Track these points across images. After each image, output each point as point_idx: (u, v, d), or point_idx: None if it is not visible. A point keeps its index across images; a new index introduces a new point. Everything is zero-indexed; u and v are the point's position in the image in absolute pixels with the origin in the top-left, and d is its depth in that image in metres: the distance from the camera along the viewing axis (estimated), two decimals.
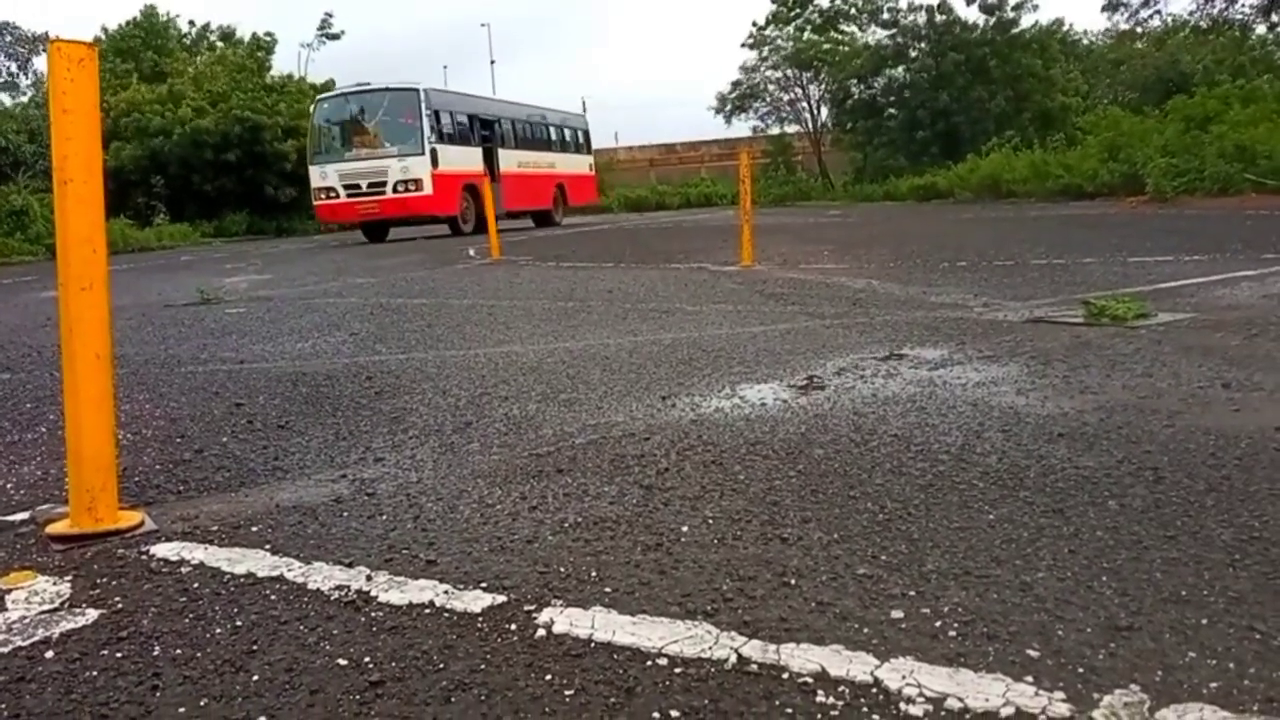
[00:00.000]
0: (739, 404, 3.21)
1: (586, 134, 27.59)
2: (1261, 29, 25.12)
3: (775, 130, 36.26)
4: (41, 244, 19.18)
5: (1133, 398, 3.01)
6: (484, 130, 21.81)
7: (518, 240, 15.94)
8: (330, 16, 34.51)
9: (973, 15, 27.96)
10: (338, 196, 19.45)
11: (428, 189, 18.95)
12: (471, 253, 13.18)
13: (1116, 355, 3.70)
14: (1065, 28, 30.75)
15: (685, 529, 2.04)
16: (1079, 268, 7.06)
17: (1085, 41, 32.77)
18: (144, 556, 2.04)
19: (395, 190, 18.93)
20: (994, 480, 2.26)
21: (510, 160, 22.50)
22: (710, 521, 2.08)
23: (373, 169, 19.24)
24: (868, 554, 1.85)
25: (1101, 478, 2.24)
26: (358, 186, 19.28)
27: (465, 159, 20.39)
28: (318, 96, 21.56)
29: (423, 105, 19.25)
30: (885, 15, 31.11)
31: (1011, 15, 27.79)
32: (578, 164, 26.55)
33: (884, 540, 1.92)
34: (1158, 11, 25.93)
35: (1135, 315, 4.41)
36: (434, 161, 19.12)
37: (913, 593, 1.67)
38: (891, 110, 30.34)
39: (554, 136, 25.62)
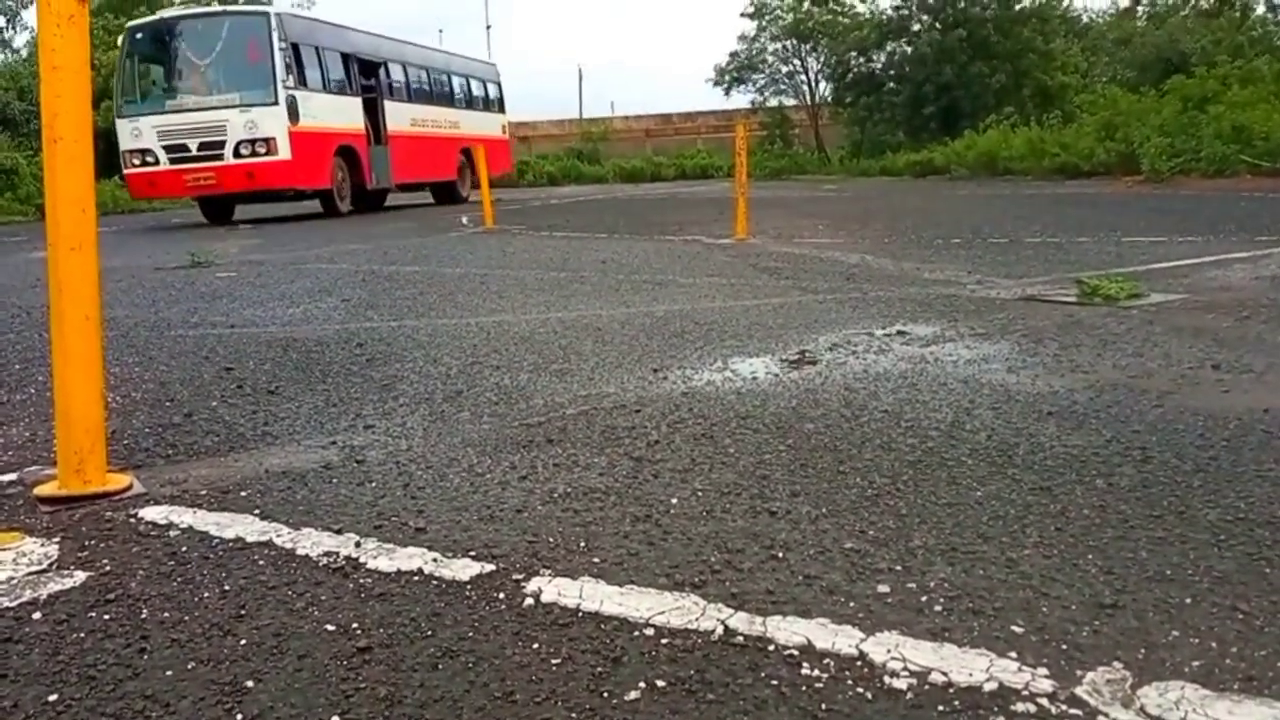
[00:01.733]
0: (730, 377, 3.21)
1: (500, 88, 22.96)
2: (1261, 9, 25.06)
3: (773, 103, 36.07)
4: (31, 204, 19.02)
5: (1123, 377, 3.02)
6: (365, 77, 16.93)
7: (512, 209, 15.86)
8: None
9: None
10: (156, 162, 14.30)
11: (283, 152, 14.11)
12: (465, 220, 13.13)
13: (1108, 335, 3.70)
14: (1066, 3, 30.59)
15: (674, 501, 2.05)
16: (1073, 246, 7.06)
17: (1085, 19, 32.61)
18: (132, 519, 2.04)
19: (237, 154, 14.02)
20: (983, 457, 2.27)
21: (401, 117, 17.81)
22: (699, 494, 2.08)
23: (205, 123, 14.25)
24: (855, 529, 1.86)
25: (1090, 456, 2.25)
26: (184, 148, 14.27)
27: (338, 112, 15.73)
28: (129, 24, 15.76)
29: (275, 36, 14.14)
30: None
31: None
32: (488, 125, 21.74)
33: (872, 515, 1.93)
34: None
35: (1128, 295, 4.41)
36: (292, 114, 14.22)
37: (899, 568, 1.68)
38: (892, 85, 30.16)
39: (459, 90, 20.80)
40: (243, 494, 2.19)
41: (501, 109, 22.91)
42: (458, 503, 2.08)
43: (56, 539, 1.94)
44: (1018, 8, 27.55)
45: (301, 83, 14.71)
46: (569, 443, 2.51)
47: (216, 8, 15.35)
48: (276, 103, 14.10)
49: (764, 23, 34.51)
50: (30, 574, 1.77)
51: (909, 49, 29.67)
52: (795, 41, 33.96)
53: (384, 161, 16.84)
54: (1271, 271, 5.36)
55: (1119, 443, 2.35)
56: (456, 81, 20.69)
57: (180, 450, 2.57)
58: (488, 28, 51.18)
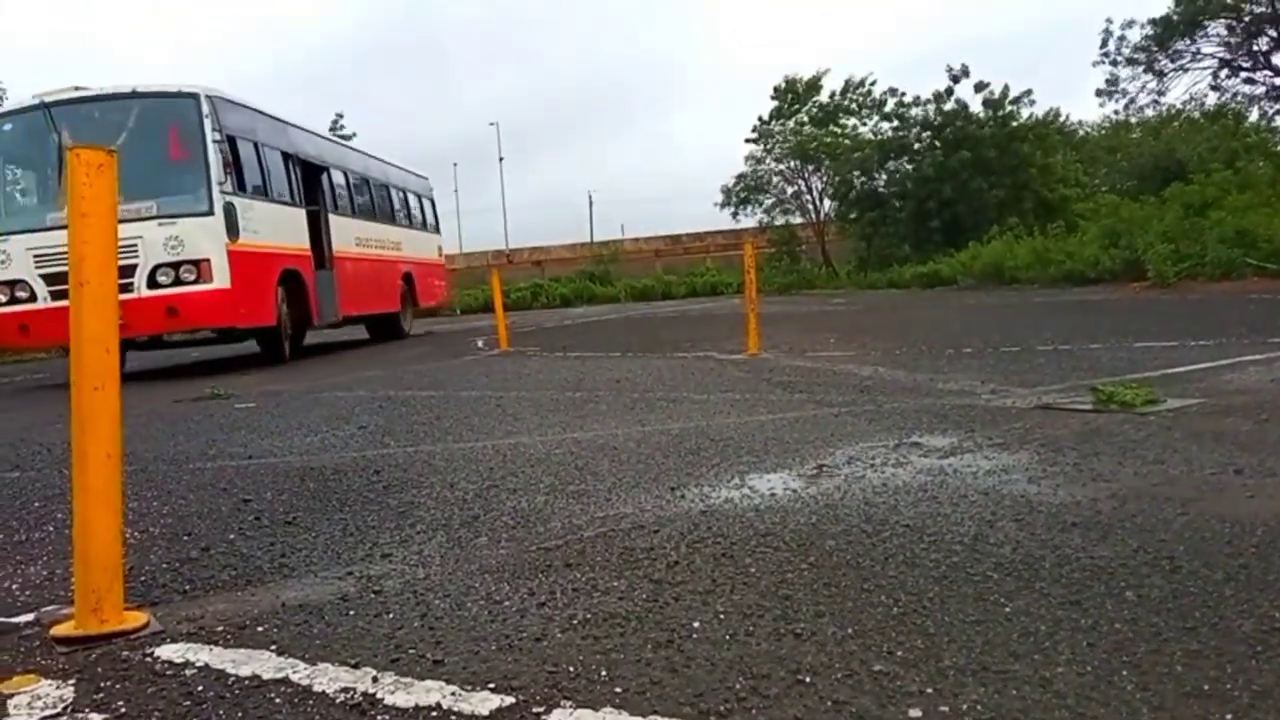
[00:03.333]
0: (749, 494, 3.19)
1: (433, 204, 19.58)
2: (1255, 115, 25.68)
3: (780, 221, 36.83)
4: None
5: (1146, 485, 2.99)
6: (308, 185, 13.26)
7: (526, 331, 16.06)
8: (341, 117, 35.13)
9: (976, 105, 28.56)
10: (32, 299, 10.25)
11: (219, 279, 10.31)
12: (480, 343, 13.28)
13: (1127, 442, 3.68)
14: (1061, 118, 31.42)
15: (696, 625, 2.01)
16: (1085, 353, 7.08)
17: (1081, 132, 33.42)
18: (148, 659, 2.01)
19: (154, 283, 10.15)
20: (1009, 571, 2.23)
21: (346, 234, 14.14)
22: (722, 617, 2.05)
23: None
24: (883, 649, 1.82)
25: (1118, 568, 2.21)
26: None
27: (281, 227, 11.98)
28: None
29: (208, 124, 10.42)
30: (889, 107, 31.80)
31: (1010, 109, 28.40)
32: (427, 246, 18.47)
33: (899, 635, 1.89)
34: (1155, 100, 26.60)
35: (1144, 401, 4.40)
36: (231, 228, 10.48)
37: (930, 690, 1.63)
38: (895, 201, 30.78)
39: (398, 204, 17.31)
40: (259, 629, 2.16)
41: (438, 229, 19.79)
42: (476, 632, 2.05)
43: (72, 681, 1.91)
44: (1014, 125, 28.29)
45: (239, 187, 10.89)
46: (587, 566, 2.48)
47: (122, 88, 10.61)
48: (211, 212, 10.23)
49: (768, 145, 35.51)
50: (45, 718, 1.75)
51: (910, 167, 30.39)
52: (799, 163, 34.85)
53: (330, 290, 13.29)
54: None
55: (1146, 553, 2.31)
56: (395, 194, 17.20)
57: (197, 586, 2.55)
58: (500, 159, 52.86)
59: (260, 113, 12.29)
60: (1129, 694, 1.57)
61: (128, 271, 9.70)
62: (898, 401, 5.15)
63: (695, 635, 1.96)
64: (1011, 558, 2.33)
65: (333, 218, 13.81)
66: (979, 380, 5.82)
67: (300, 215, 12.75)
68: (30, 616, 2.33)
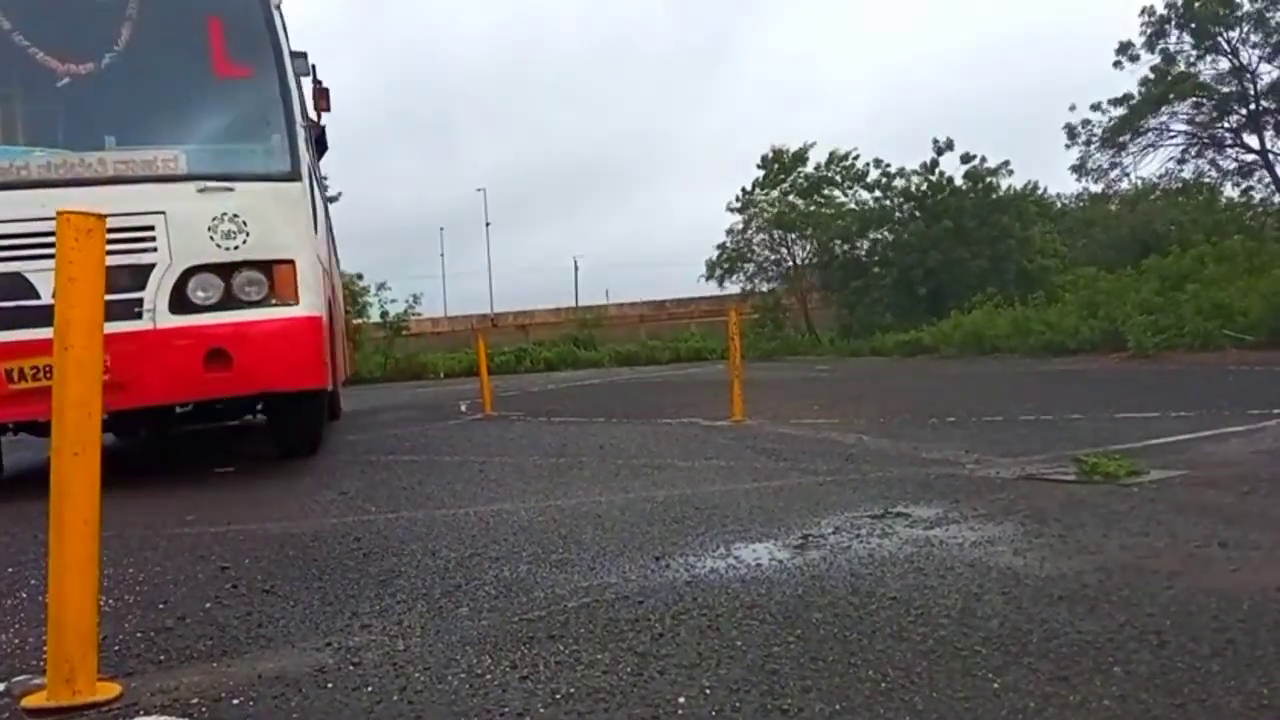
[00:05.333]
0: (734, 564, 3.17)
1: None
2: (1229, 190, 26.23)
3: (764, 288, 37.14)
4: None
5: (1131, 558, 2.99)
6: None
7: (510, 395, 16.03)
8: (325, 179, 35.23)
9: (959, 177, 29.10)
10: None
11: (308, 300, 5.80)
12: (463, 408, 13.22)
13: (1111, 514, 3.68)
14: (1039, 190, 31.99)
15: (682, 700, 1.98)
16: (1067, 424, 7.11)
17: (1059, 205, 34.02)
18: None
19: (184, 303, 5.53)
20: (996, 645, 2.22)
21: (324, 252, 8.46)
22: (708, 692, 2.02)
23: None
24: None
25: (1105, 642, 2.20)
26: (21, 287, 5.25)
27: (323, 232, 7.90)
28: None
29: (279, 23, 6.05)
30: (871, 178, 32.34)
31: (990, 180, 28.95)
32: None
33: (887, 711, 1.86)
34: (1127, 174, 27.17)
35: (1127, 472, 4.42)
36: (313, 213, 6.40)
37: None
38: (877, 269, 31.14)
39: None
40: (234, 702, 2.11)
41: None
42: (457, 707, 2.01)
43: None
44: (995, 196, 28.80)
45: (308, 139, 7.00)
46: (571, 638, 2.45)
47: None
48: (295, 175, 5.89)
49: (749, 215, 35.95)
50: None
51: (891, 237, 30.82)
52: (781, 232, 35.26)
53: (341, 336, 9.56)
54: (1268, 445, 5.38)
55: (1133, 627, 2.30)
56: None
57: (172, 656, 2.50)
58: (486, 224, 53.19)
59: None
60: None
61: (132, 280, 5.35)
62: (882, 470, 5.15)
63: (680, 711, 1.93)
64: (999, 631, 2.32)
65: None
66: (963, 449, 5.84)
67: (322, 218, 8.13)
68: (1, 686, 2.28)
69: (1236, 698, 1.85)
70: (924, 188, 29.62)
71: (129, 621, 2.84)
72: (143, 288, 5.46)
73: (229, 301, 5.60)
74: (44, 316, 4.38)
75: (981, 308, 24.15)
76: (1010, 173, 29.30)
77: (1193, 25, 23.47)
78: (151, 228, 5.43)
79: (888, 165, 31.87)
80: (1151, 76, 24.45)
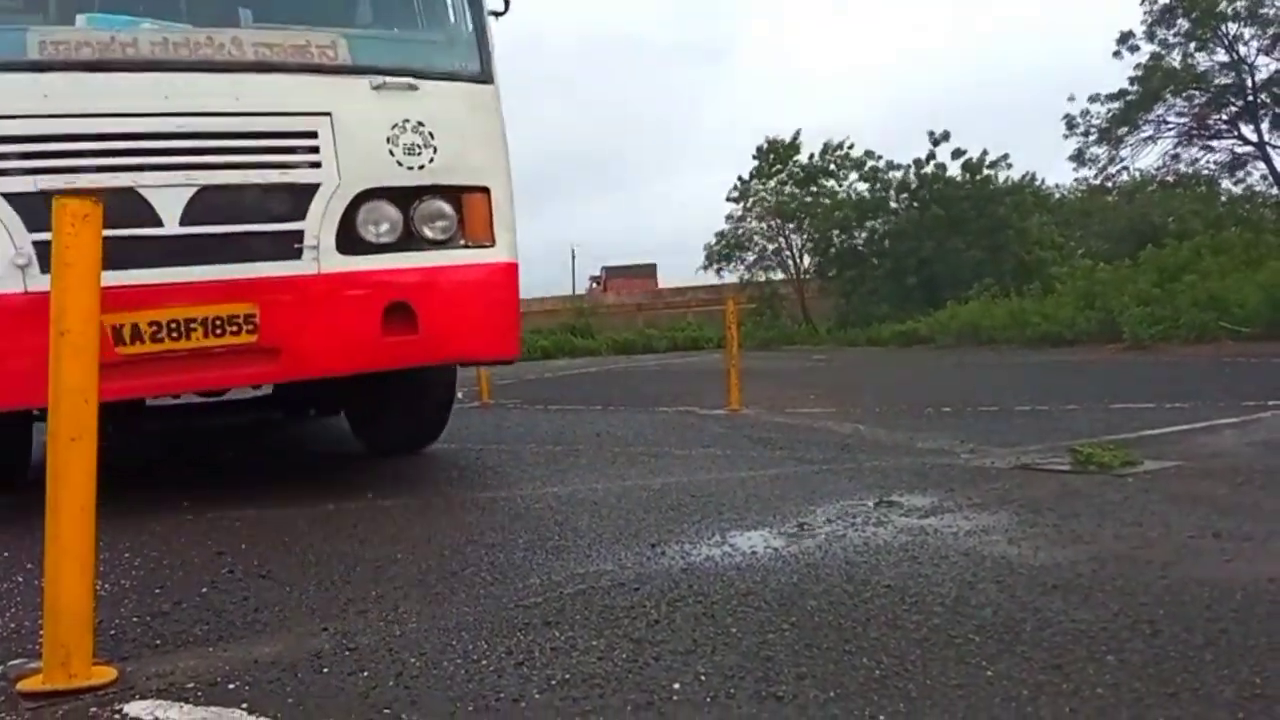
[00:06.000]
0: (730, 552, 3.18)
1: None
2: (1227, 184, 26.24)
3: (761, 278, 37.14)
4: None
5: (1125, 548, 3.00)
6: None
7: (507, 383, 16.02)
8: None
9: (954, 168, 29.06)
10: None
11: (503, 244, 4.52)
12: (460, 396, 13.21)
13: (1106, 504, 3.70)
14: (1037, 182, 31.96)
15: (677, 686, 1.99)
16: (1062, 414, 7.12)
17: (1057, 196, 34.00)
18: (117, 715, 1.97)
19: (354, 240, 4.20)
20: (990, 634, 2.23)
21: None
22: (703, 678, 2.03)
23: (222, 127, 3.86)
24: (865, 713, 1.80)
25: (1098, 631, 2.21)
26: (127, 210, 3.71)
27: None
28: None
29: None
30: (867, 168, 32.26)
31: (987, 173, 28.91)
32: None
33: (882, 699, 1.87)
34: (1125, 168, 27.16)
35: (1122, 463, 4.43)
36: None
37: None
38: (874, 259, 31.14)
39: None
40: (230, 686, 2.12)
41: None
42: (452, 692, 2.02)
43: None
44: (991, 188, 28.76)
45: None
46: (566, 624, 2.46)
47: None
48: (487, 77, 4.63)
49: (748, 204, 35.91)
50: None
51: (886, 227, 30.81)
52: (779, 221, 35.23)
53: None
54: (1262, 436, 5.40)
55: (1127, 616, 2.31)
56: None
57: (168, 640, 2.50)
58: None
59: None
60: None
61: (289, 205, 4.15)
62: (878, 459, 5.16)
63: (675, 697, 1.93)
64: (993, 620, 2.33)
65: None
66: (958, 439, 5.85)
67: None
68: None
69: (1229, 687, 1.86)
70: (915, 180, 29.60)
71: (125, 606, 2.85)
72: (302, 217, 4.10)
73: (409, 240, 4.33)
74: (167, 252, 3.80)
75: (978, 298, 24.16)
76: (1009, 166, 29.27)
77: (1194, 15, 23.42)
78: (314, 134, 4.11)
79: (879, 157, 31.86)
80: (1142, 72, 24.44)
